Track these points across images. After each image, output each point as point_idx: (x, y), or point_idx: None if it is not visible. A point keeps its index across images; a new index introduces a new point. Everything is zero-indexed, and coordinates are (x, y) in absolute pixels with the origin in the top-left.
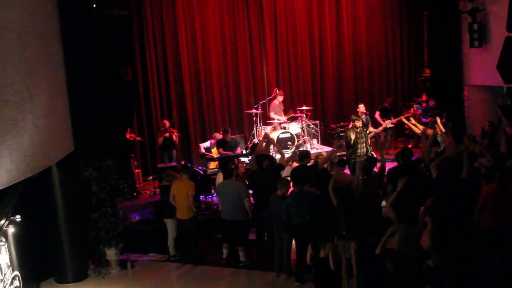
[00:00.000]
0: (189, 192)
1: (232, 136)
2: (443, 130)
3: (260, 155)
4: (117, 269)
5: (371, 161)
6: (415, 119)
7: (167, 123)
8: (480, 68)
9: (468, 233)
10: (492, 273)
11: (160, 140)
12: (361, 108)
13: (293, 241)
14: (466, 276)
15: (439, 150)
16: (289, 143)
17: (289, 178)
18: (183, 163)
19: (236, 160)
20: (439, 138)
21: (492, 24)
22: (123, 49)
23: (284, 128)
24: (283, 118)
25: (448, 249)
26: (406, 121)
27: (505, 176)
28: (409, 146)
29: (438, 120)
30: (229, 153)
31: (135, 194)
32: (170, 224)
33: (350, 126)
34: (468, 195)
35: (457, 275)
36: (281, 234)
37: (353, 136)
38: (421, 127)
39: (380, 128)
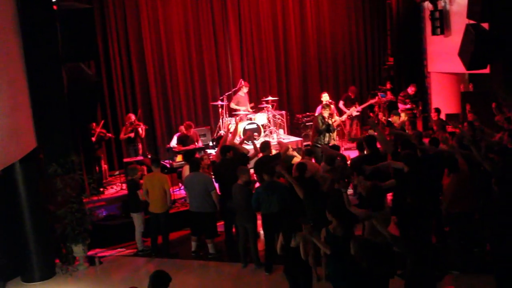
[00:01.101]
0: (165, 187)
1: (195, 130)
2: (406, 118)
3: (224, 146)
4: (84, 266)
5: (336, 148)
6: (379, 108)
7: (132, 116)
8: (442, 55)
9: (432, 218)
10: (458, 257)
11: (126, 136)
12: (325, 97)
13: (261, 231)
14: (431, 261)
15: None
16: (256, 134)
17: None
18: (149, 156)
19: (202, 152)
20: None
21: (453, 12)
22: (86, 43)
23: (251, 119)
24: (243, 108)
25: (412, 234)
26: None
27: (454, 162)
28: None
29: (401, 107)
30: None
31: (101, 189)
32: (137, 218)
33: (317, 114)
34: (432, 180)
35: (421, 260)
36: (244, 225)
37: (320, 124)
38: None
39: (344, 116)
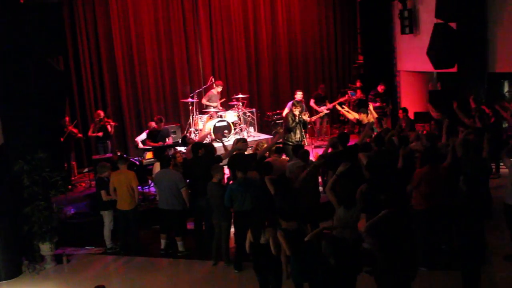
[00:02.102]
0: (133, 184)
1: (166, 126)
2: (376, 116)
3: (196, 143)
4: (52, 264)
5: (300, 147)
6: (349, 106)
7: (101, 113)
8: (411, 54)
9: (400, 215)
10: (425, 254)
11: (95, 134)
12: (299, 95)
13: (232, 229)
14: (399, 258)
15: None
16: (226, 131)
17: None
18: (119, 154)
19: (173, 149)
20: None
21: (422, 11)
22: (54, 38)
23: (221, 116)
24: (214, 105)
25: (380, 231)
26: (339, 108)
27: (436, 158)
28: (345, 131)
29: (371, 106)
30: (157, 144)
31: (69, 186)
32: (106, 216)
33: (288, 111)
34: (401, 177)
35: (389, 256)
36: (219, 222)
37: (290, 121)
38: (355, 114)
39: (316, 117)
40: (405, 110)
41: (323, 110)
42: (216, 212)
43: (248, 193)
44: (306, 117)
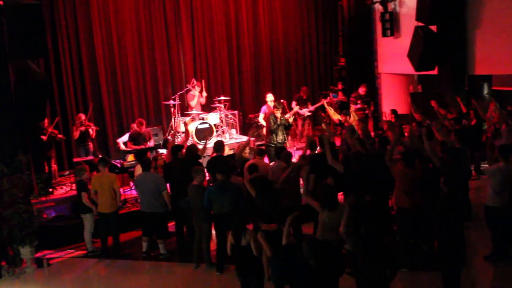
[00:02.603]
0: (115, 186)
1: (148, 129)
2: (357, 118)
3: (176, 145)
4: (32, 268)
5: (282, 149)
6: (331, 108)
7: (82, 116)
8: (392, 57)
9: (381, 216)
10: (406, 254)
11: (76, 134)
12: (269, 97)
13: (213, 231)
14: (379, 257)
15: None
16: (208, 133)
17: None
18: (100, 156)
19: (155, 152)
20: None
21: (403, 14)
22: (34, 40)
23: (203, 118)
24: (200, 102)
25: (361, 231)
26: (327, 107)
27: (409, 158)
28: (326, 134)
29: (352, 108)
30: (138, 147)
31: (50, 189)
32: (87, 219)
33: (264, 116)
34: (384, 178)
35: (369, 256)
36: (200, 225)
37: (272, 123)
38: (338, 115)
39: (291, 113)
40: (394, 112)
41: (305, 112)
42: (196, 215)
43: (226, 195)
44: (291, 119)
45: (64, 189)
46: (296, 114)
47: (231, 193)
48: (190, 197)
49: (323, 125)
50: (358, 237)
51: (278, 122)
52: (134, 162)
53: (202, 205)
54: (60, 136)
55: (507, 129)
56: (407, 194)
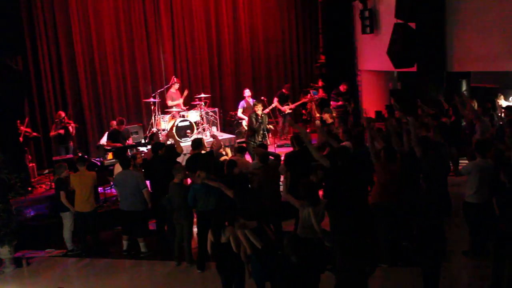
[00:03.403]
0: (94, 184)
1: (127, 127)
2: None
3: (157, 143)
4: (11, 268)
5: (263, 147)
6: (312, 105)
7: (62, 114)
8: (372, 54)
9: (360, 211)
10: (386, 250)
11: (56, 132)
12: (247, 92)
13: (194, 229)
14: (358, 253)
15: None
16: (188, 131)
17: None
18: (80, 154)
19: (134, 150)
20: None
21: (382, 11)
22: (11, 37)
23: (183, 116)
24: (178, 102)
25: (340, 227)
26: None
27: (390, 152)
28: (308, 131)
29: (333, 105)
30: (118, 144)
31: (29, 188)
32: (66, 218)
33: (242, 111)
34: (361, 173)
35: (348, 252)
36: (181, 222)
37: (254, 122)
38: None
39: (269, 108)
40: (387, 107)
41: (286, 109)
42: (177, 212)
43: (211, 193)
44: (270, 126)
45: (43, 188)
46: (277, 111)
47: (216, 190)
48: (170, 195)
49: (318, 122)
50: (336, 233)
51: (260, 120)
52: (113, 160)
53: (182, 203)
54: (34, 134)
55: (481, 125)
56: (387, 189)
